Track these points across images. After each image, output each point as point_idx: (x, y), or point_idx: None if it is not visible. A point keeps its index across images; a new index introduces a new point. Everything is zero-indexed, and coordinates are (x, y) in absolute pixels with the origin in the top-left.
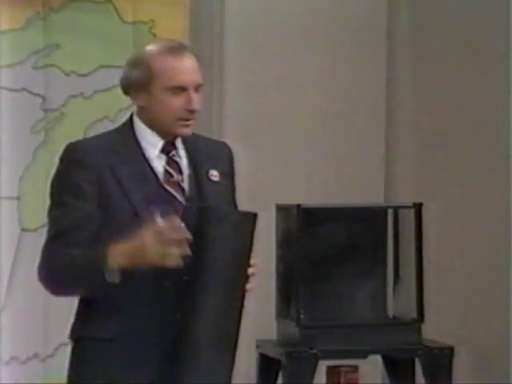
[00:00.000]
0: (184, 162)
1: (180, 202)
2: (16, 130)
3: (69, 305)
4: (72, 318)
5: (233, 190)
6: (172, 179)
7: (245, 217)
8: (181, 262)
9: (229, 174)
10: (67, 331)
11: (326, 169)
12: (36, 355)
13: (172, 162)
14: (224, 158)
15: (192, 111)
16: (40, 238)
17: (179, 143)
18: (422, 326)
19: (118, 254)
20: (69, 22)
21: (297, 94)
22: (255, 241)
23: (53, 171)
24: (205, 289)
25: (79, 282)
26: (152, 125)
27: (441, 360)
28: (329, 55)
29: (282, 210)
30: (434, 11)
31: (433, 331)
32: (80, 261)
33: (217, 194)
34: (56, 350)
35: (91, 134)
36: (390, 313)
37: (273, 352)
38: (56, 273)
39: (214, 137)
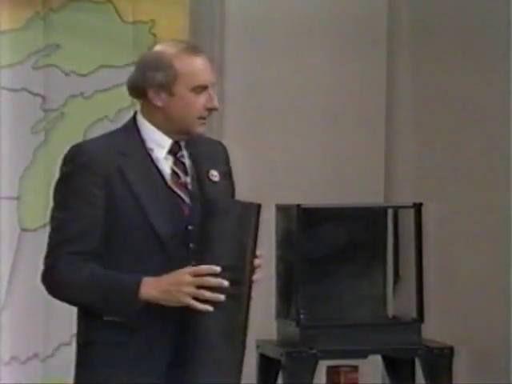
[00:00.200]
0: (188, 163)
1: (186, 204)
2: (16, 130)
3: (69, 305)
4: (73, 320)
5: (232, 189)
6: (180, 180)
7: (249, 208)
8: (210, 309)
9: (227, 174)
10: (67, 331)
11: (326, 169)
12: (36, 355)
13: (179, 162)
14: (221, 157)
15: (213, 109)
16: (40, 238)
17: (183, 144)
18: (422, 326)
19: (152, 287)
20: (69, 21)
21: (297, 93)
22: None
23: (53, 171)
24: None
25: (100, 303)
26: (166, 124)
27: (441, 360)
28: (329, 55)
29: (282, 209)
30: (433, 11)
31: (433, 331)
32: (104, 283)
33: (217, 195)
34: (56, 350)
35: (91, 133)
36: (390, 313)
37: (273, 352)
38: (70, 286)
39: (214, 137)
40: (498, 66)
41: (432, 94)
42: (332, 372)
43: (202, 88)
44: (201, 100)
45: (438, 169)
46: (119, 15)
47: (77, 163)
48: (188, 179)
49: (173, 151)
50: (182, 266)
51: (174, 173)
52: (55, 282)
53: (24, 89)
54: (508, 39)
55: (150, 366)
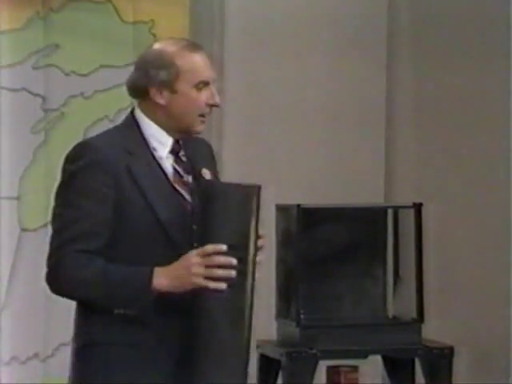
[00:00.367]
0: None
1: (189, 202)
2: (16, 130)
3: (69, 305)
4: (73, 320)
5: None
6: (182, 179)
7: (249, 189)
8: (223, 286)
9: (216, 172)
10: (67, 331)
11: (326, 169)
12: (36, 355)
13: (180, 161)
14: (209, 155)
15: (214, 105)
16: (40, 238)
17: (181, 143)
18: (422, 326)
19: (164, 276)
20: (69, 21)
21: (297, 93)
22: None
23: (53, 171)
24: None
25: (112, 296)
26: (168, 123)
27: (441, 360)
28: (329, 55)
29: (282, 209)
30: (433, 11)
31: (433, 331)
32: (116, 276)
33: None
34: (56, 349)
35: (91, 133)
36: (390, 313)
37: (273, 352)
38: (80, 282)
39: (214, 136)
40: (498, 66)
41: (432, 93)
42: (332, 372)
43: (204, 84)
44: (202, 97)
45: (437, 169)
46: (119, 15)
47: (86, 161)
48: (190, 178)
49: (174, 150)
50: None
51: (175, 171)
52: (63, 280)
53: (24, 89)
54: (508, 39)
55: (158, 366)
